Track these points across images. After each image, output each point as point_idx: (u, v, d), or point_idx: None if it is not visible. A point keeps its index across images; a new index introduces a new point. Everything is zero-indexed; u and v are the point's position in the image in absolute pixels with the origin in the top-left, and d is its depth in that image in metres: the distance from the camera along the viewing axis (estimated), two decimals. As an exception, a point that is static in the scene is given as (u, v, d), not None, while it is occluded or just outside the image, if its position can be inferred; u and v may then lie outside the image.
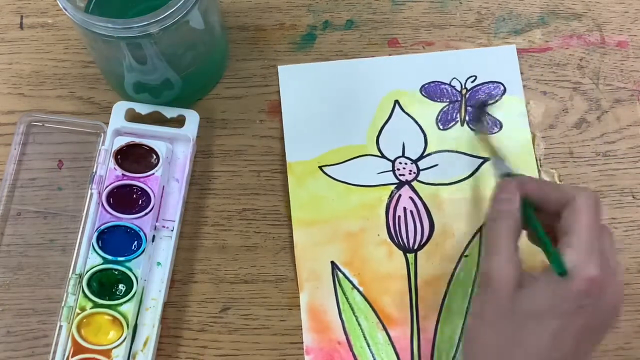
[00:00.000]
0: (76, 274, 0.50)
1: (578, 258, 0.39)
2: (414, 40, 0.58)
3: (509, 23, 0.59)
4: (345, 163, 0.54)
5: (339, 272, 0.52)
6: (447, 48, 0.58)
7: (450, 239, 0.53)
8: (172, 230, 0.52)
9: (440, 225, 0.53)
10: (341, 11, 0.59)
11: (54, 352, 0.49)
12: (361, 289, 0.52)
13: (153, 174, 0.52)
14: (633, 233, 0.53)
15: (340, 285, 0.52)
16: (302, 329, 0.51)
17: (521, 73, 0.57)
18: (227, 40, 0.57)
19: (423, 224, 0.53)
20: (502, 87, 0.56)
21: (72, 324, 0.49)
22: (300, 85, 0.56)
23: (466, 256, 0.52)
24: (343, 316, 0.51)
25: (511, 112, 0.56)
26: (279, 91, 0.56)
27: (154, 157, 0.53)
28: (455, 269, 0.52)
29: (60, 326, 0.49)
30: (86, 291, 0.49)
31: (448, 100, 0.56)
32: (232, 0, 0.59)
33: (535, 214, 0.43)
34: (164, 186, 0.53)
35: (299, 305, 0.52)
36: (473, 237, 0.53)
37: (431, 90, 0.56)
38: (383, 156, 0.55)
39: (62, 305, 0.49)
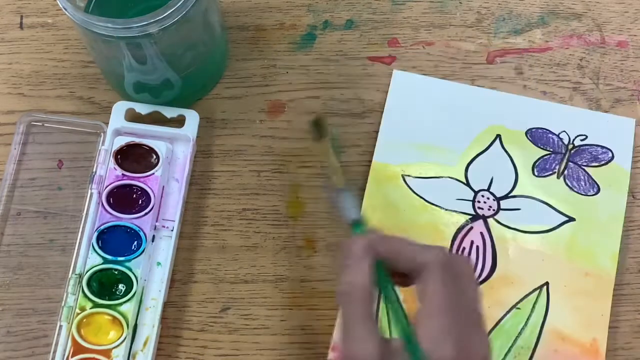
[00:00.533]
0: (76, 274, 0.50)
1: (432, 340, 0.37)
2: (414, 40, 0.58)
3: (509, 23, 0.59)
4: (429, 180, 0.53)
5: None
6: (447, 48, 0.58)
7: (508, 286, 0.51)
8: (172, 230, 0.52)
9: (503, 270, 0.51)
10: (341, 11, 0.59)
11: (54, 352, 0.49)
12: (404, 305, 0.49)
13: (153, 174, 0.52)
14: (633, 233, 0.53)
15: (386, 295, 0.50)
16: (302, 329, 0.51)
17: (521, 73, 0.57)
18: (227, 40, 0.57)
19: (485, 263, 0.51)
20: (610, 154, 0.54)
21: (72, 323, 0.49)
22: (409, 93, 0.56)
23: (518, 309, 0.51)
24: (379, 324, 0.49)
25: (613, 180, 0.53)
26: (279, 91, 0.56)
27: (154, 157, 0.53)
28: (503, 317, 0.50)
29: (60, 326, 0.49)
30: (86, 291, 0.49)
31: (552, 149, 0.54)
32: (232, 0, 0.59)
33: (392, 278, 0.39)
34: (163, 186, 0.53)
35: (299, 305, 0.52)
36: (532, 291, 0.51)
37: (537, 136, 0.55)
38: (468, 184, 0.53)
39: (62, 305, 0.49)
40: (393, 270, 0.40)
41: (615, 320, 0.51)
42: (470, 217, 0.53)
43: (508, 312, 0.51)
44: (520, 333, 0.50)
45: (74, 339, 0.48)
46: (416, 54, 0.58)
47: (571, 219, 0.53)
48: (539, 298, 0.51)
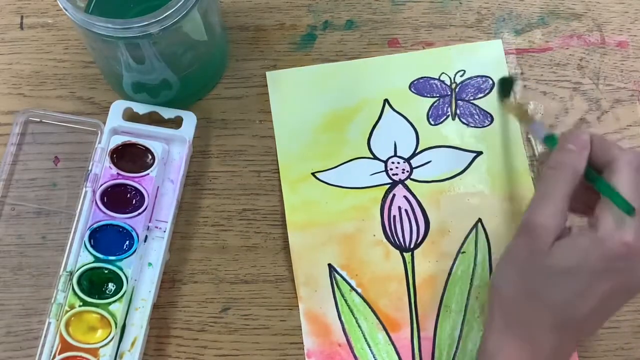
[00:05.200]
0: (67, 272, 0.50)
1: (616, 219, 0.39)
2: (414, 41, 0.58)
3: (509, 23, 0.59)
4: (338, 168, 0.54)
5: (336, 275, 0.52)
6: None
7: (446, 236, 0.53)
8: (165, 232, 0.52)
9: (436, 222, 0.53)
10: (341, 11, 0.59)
11: (42, 349, 0.49)
12: (359, 290, 0.51)
13: (148, 174, 0.52)
14: (633, 233, 0.53)
15: (339, 288, 0.52)
16: (302, 331, 0.51)
17: (521, 73, 0.57)
18: (227, 40, 0.57)
19: (418, 222, 0.53)
20: (490, 81, 0.56)
21: (60, 321, 0.49)
22: (289, 90, 0.56)
23: (463, 252, 0.52)
24: (342, 318, 0.51)
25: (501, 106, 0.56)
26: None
27: (150, 157, 0.52)
28: (452, 266, 0.52)
29: (49, 323, 0.49)
30: (76, 289, 0.49)
31: (438, 95, 0.56)
32: (232, 0, 0.59)
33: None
34: (158, 187, 0.53)
35: (299, 306, 0.52)
36: (469, 232, 0.53)
37: (420, 87, 0.56)
38: (375, 157, 0.55)
39: (52, 302, 0.49)
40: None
41: (615, 320, 0.51)
42: (388, 185, 0.54)
43: (455, 259, 0.52)
44: (473, 274, 0.52)
45: (61, 337, 0.48)
46: (416, 54, 0.58)
47: (479, 153, 0.54)
48: (478, 235, 0.53)
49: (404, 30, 0.58)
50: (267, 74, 0.57)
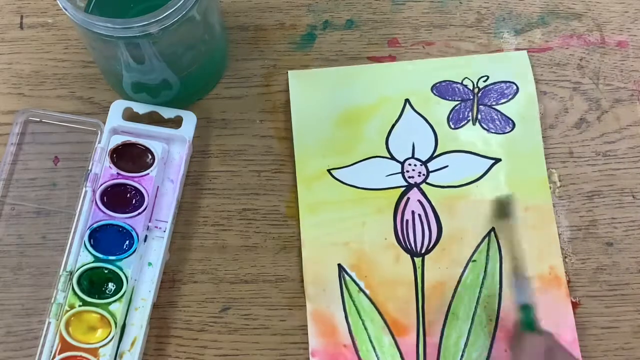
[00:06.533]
0: (67, 271, 0.50)
1: None
2: (414, 40, 0.58)
3: (509, 23, 0.59)
4: (354, 166, 0.54)
5: (345, 275, 0.52)
6: (447, 48, 0.58)
7: (458, 243, 0.52)
8: (165, 231, 0.52)
9: (449, 229, 0.53)
10: (341, 11, 0.59)
11: (42, 348, 0.49)
12: (368, 292, 0.51)
13: (148, 174, 0.52)
14: (633, 233, 0.53)
15: (347, 288, 0.51)
16: (302, 329, 0.51)
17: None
18: (227, 40, 0.57)
19: (431, 227, 0.53)
20: (515, 87, 0.56)
21: (60, 321, 0.49)
22: (310, 90, 0.56)
23: (474, 261, 0.52)
24: (349, 319, 0.51)
25: (524, 111, 0.55)
26: (279, 91, 0.56)
27: (150, 157, 0.52)
28: (462, 274, 0.52)
29: (49, 323, 0.49)
30: (76, 289, 0.49)
31: (460, 99, 0.56)
32: (232, 0, 0.59)
33: None
34: (158, 187, 0.53)
35: (300, 306, 0.52)
36: (481, 241, 0.52)
37: (442, 89, 0.56)
38: (392, 157, 0.54)
39: (52, 301, 0.49)
40: None
41: (615, 320, 0.51)
42: (403, 188, 0.53)
43: (465, 267, 0.52)
44: (482, 283, 0.51)
45: (61, 336, 0.48)
46: (416, 54, 0.58)
47: (497, 160, 0.54)
48: (490, 245, 0.52)
49: (404, 30, 0.58)
50: (289, 73, 0.56)
